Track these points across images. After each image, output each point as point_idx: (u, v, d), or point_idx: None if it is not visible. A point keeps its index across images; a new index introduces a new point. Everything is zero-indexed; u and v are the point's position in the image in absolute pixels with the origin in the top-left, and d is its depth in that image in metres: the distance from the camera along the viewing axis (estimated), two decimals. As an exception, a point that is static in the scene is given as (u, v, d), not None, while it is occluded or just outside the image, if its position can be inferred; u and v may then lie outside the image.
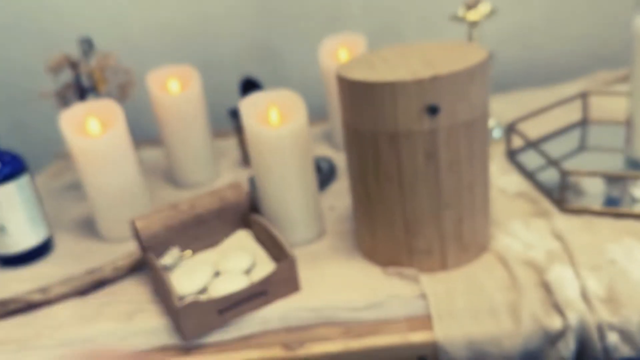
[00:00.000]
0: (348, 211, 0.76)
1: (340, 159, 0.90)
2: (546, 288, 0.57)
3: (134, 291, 0.66)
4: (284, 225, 0.68)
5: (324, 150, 0.95)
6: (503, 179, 0.78)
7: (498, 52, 1.15)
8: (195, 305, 0.55)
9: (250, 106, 0.66)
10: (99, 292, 0.66)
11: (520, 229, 0.66)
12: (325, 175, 0.84)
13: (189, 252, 0.67)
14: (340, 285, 0.61)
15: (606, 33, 1.14)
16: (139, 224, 0.63)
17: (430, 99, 0.54)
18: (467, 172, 0.58)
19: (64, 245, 0.78)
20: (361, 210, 0.63)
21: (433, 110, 0.54)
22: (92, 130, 0.76)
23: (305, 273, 0.64)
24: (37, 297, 0.64)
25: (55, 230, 0.81)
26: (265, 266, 0.63)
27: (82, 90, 0.91)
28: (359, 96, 0.56)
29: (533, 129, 0.89)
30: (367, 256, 0.65)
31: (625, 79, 1.07)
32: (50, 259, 0.75)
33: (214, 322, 0.57)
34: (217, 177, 0.93)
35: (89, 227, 0.81)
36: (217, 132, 1.04)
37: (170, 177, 0.93)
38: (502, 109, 1.01)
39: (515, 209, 0.70)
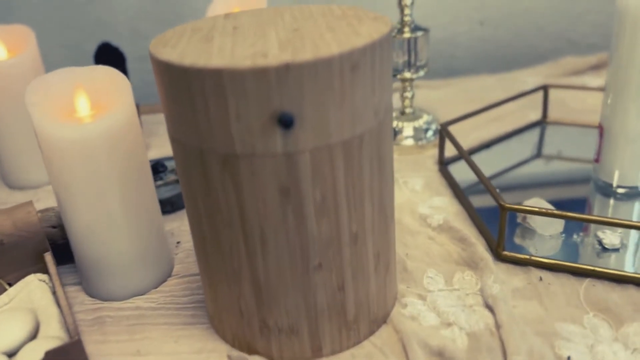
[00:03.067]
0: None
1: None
2: (462, 402, 0.37)
3: None
4: (101, 269, 0.46)
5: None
6: (430, 202, 0.57)
7: (443, 28, 0.95)
8: None
9: (41, 90, 0.43)
10: None
11: (439, 288, 0.45)
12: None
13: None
14: (158, 377, 0.40)
15: (575, 11, 0.95)
16: None
17: (282, 103, 0.32)
18: (349, 215, 0.36)
19: None
20: (199, 261, 0.42)
21: (286, 122, 0.32)
22: None
23: (111, 351, 0.42)
24: None
25: None
26: (54, 340, 0.41)
27: None
28: (176, 90, 0.34)
29: (479, 130, 0.70)
30: (213, 324, 0.44)
31: (596, 67, 0.88)
32: None
33: None
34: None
35: None
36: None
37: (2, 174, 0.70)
38: (443, 102, 0.80)
39: (436, 253, 0.50)
